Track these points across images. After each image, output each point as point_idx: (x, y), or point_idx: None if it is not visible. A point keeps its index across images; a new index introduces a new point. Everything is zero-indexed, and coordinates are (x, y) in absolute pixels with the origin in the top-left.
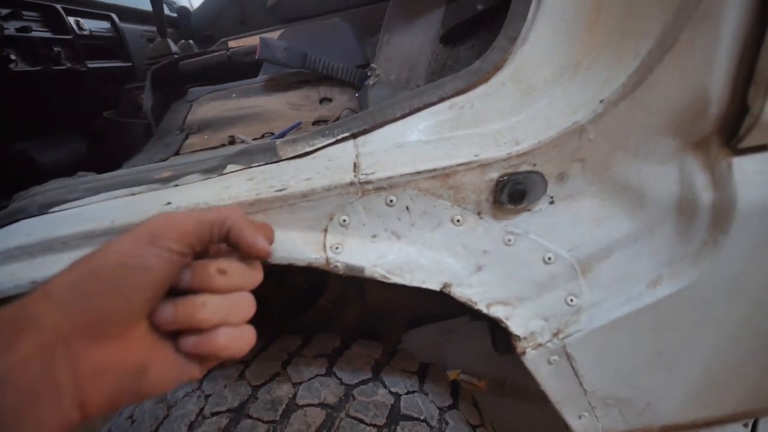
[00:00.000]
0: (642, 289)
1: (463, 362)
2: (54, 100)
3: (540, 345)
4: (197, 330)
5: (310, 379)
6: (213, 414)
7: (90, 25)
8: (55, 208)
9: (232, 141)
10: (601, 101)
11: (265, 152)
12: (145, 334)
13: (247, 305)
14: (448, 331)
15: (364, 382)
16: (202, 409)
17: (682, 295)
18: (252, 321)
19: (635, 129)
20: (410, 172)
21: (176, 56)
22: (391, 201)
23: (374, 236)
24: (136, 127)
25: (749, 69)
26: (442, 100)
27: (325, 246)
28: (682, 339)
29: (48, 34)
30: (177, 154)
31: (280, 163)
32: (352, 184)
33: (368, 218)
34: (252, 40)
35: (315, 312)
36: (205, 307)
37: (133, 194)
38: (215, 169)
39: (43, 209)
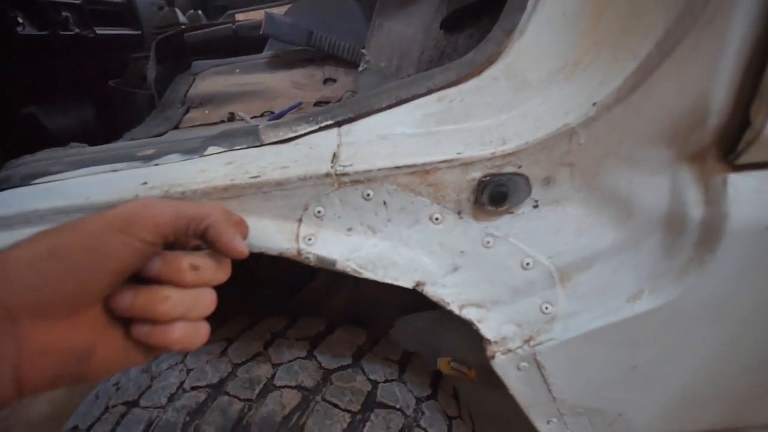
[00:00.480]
0: (621, 303)
1: (456, 350)
2: (61, 65)
3: (510, 350)
4: (152, 320)
5: (290, 361)
6: (192, 388)
7: None
8: (38, 180)
9: (231, 118)
10: (594, 104)
11: (248, 136)
12: (97, 316)
13: (209, 302)
14: (442, 318)
15: (343, 367)
16: (182, 383)
17: (662, 311)
18: (246, 299)
19: (629, 136)
20: (389, 166)
21: (182, 27)
22: (368, 195)
23: (349, 229)
24: (140, 97)
25: (755, 80)
26: (430, 92)
27: (297, 236)
28: (659, 355)
29: None
30: (176, 128)
31: (262, 147)
32: (328, 175)
33: (344, 211)
34: (260, 14)
35: (306, 294)
36: (168, 301)
37: (115, 171)
38: (196, 150)
39: (25, 180)
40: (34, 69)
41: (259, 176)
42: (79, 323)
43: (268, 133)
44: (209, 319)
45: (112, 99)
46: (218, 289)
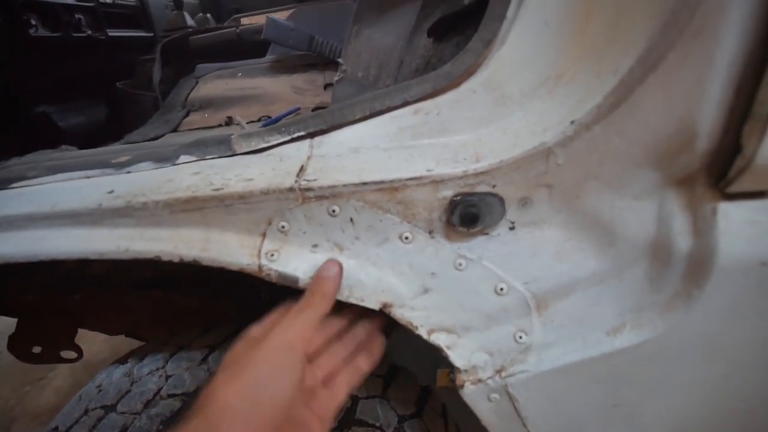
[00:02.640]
0: (601, 336)
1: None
2: (74, 66)
3: (480, 380)
4: None
5: None
6: (169, 395)
7: None
8: (15, 185)
9: (229, 122)
10: (573, 122)
11: (220, 145)
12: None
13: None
14: None
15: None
16: (160, 390)
17: (645, 348)
18: (240, 303)
19: (610, 157)
20: (355, 182)
21: (189, 30)
22: (334, 211)
23: (315, 246)
24: (146, 98)
25: (747, 100)
26: (406, 104)
27: (260, 252)
28: (642, 394)
29: (70, 1)
30: (175, 130)
31: (233, 157)
32: (291, 189)
33: (309, 227)
34: (264, 19)
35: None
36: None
37: (88, 177)
38: (169, 159)
39: (3, 184)
40: (47, 69)
41: (221, 189)
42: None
43: (240, 143)
44: (195, 324)
45: (119, 100)
46: (211, 293)
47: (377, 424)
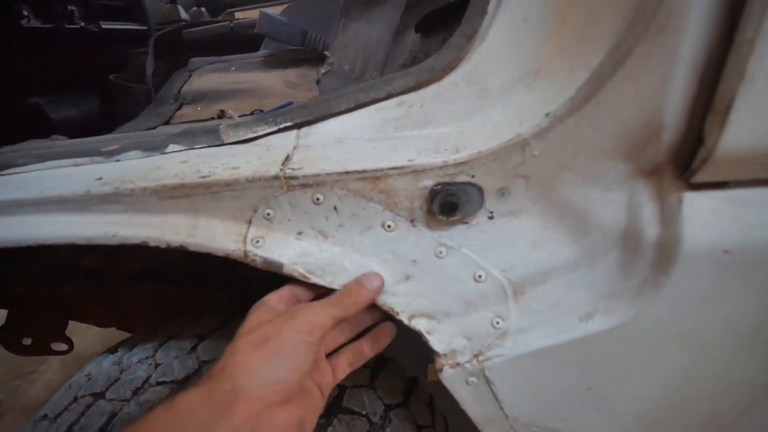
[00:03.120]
0: (574, 322)
1: None
2: (66, 58)
3: (458, 365)
4: None
5: None
6: (158, 383)
7: None
8: (4, 172)
9: (221, 115)
10: (547, 115)
11: (208, 135)
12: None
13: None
14: None
15: None
16: (149, 377)
17: (615, 333)
18: (231, 295)
19: (584, 149)
20: (338, 171)
21: (182, 24)
22: (318, 199)
23: (300, 233)
24: (139, 91)
25: (709, 94)
26: (390, 96)
27: (245, 238)
28: (614, 377)
29: None
30: (167, 123)
31: (221, 147)
32: (276, 177)
33: (294, 214)
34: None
35: None
36: None
37: (77, 165)
38: (158, 148)
39: None
40: (39, 61)
41: (208, 176)
42: (296, 401)
43: (228, 133)
44: (187, 313)
45: (112, 93)
46: (203, 285)
47: (363, 413)
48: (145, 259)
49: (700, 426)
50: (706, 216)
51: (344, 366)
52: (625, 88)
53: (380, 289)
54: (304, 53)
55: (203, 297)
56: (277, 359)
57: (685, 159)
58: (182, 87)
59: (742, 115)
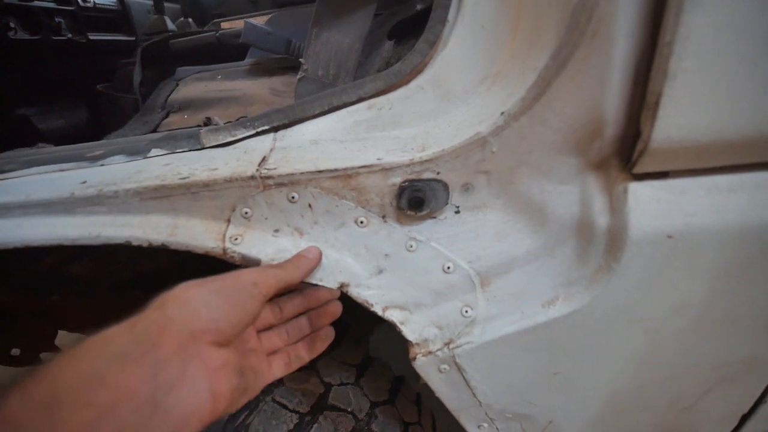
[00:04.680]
0: (537, 308)
1: None
2: (54, 69)
3: (431, 353)
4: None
5: None
6: None
7: None
8: None
9: (207, 123)
10: (502, 114)
11: (189, 139)
12: (242, 343)
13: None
14: None
15: (297, 369)
16: None
17: (574, 317)
18: None
19: (537, 145)
20: (311, 170)
21: (169, 34)
22: (293, 197)
23: (277, 231)
24: (126, 101)
25: (642, 91)
26: (361, 100)
27: (224, 236)
28: (577, 362)
29: (50, 5)
30: (154, 131)
31: (202, 151)
32: (253, 177)
33: (270, 213)
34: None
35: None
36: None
37: (62, 170)
38: (141, 152)
39: None
40: (27, 72)
41: (188, 177)
42: (234, 349)
43: (208, 137)
44: None
45: (100, 103)
46: None
47: (349, 410)
48: (133, 267)
49: (664, 408)
50: (649, 204)
51: (280, 365)
52: (569, 89)
53: (319, 259)
54: (289, 61)
55: None
56: (215, 297)
57: (628, 152)
58: (169, 96)
59: (668, 110)
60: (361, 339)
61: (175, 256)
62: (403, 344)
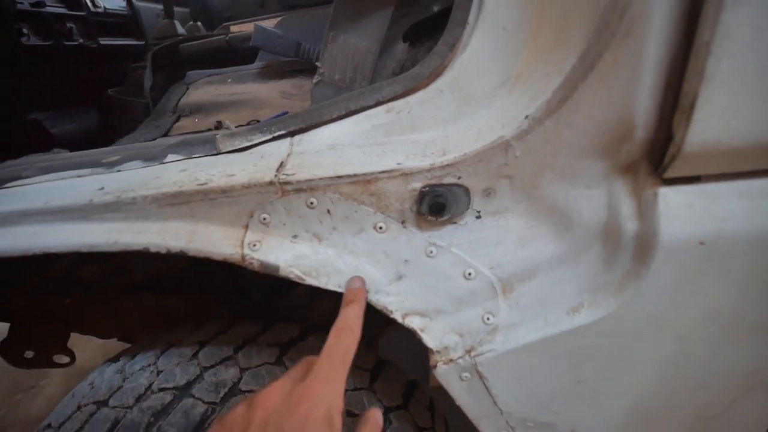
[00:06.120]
0: (561, 315)
1: None
2: (65, 74)
3: (451, 360)
4: None
5: (258, 366)
6: (160, 389)
7: (106, 2)
8: (9, 184)
9: (218, 126)
10: (527, 117)
11: (205, 144)
12: None
13: None
14: None
15: None
16: (151, 384)
17: (600, 325)
18: (234, 305)
19: (562, 149)
20: (330, 175)
21: (179, 38)
22: (312, 203)
23: (295, 236)
24: (137, 105)
25: (675, 94)
26: (379, 104)
27: (243, 242)
28: (603, 370)
29: (62, 10)
30: (166, 135)
31: (218, 156)
32: (271, 183)
33: (289, 218)
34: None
35: (290, 300)
36: None
37: (79, 176)
38: (157, 158)
39: None
40: (39, 77)
41: (206, 183)
42: None
43: (224, 142)
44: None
45: (111, 107)
46: (203, 294)
47: None
48: (145, 270)
49: (691, 417)
50: (680, 209)
51: None
52: (597, 90)
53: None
54: (299, 64)
55: (203, 307)
56: None
57: (659, 156)
58: (180, 99)
59: (704, 113)
60: (372, 342)
61: (186, 260)
62: (422, 351)
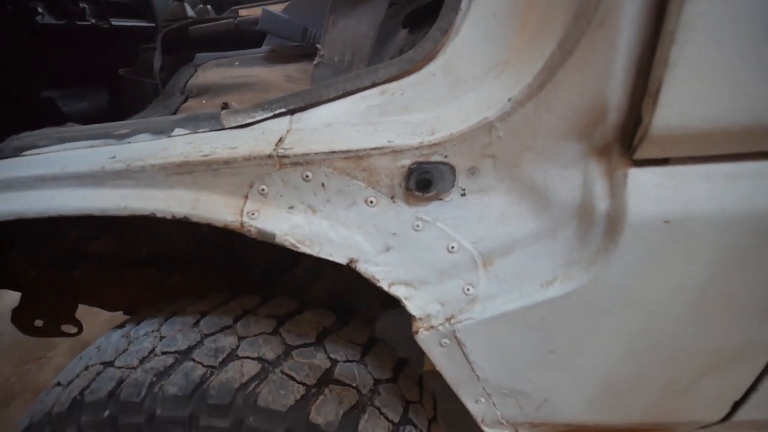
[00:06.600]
0: (536, 288)
1: None
2: (78, 53)
3: (432, 327)
4: None
5: (255, 335)
6: (163, 353)
7: None
8: (27, 152)
9: (225, 107)
10: (510, 100)
11: (210, 120)
12: None
13: None
14: None
15: (305, 345)
16: (154, 348)
17: (572, 297)
18: (235, 282)
19: (542, 130)
20: (325, 151)
21: (189, 21)
22: (308, 176)
23: (291, 207)
24: (147, 85)
25: (644, 79)
26: (374, 85)
27: (242, 211)
28: (574, 341)
29: None
30: (174, 115)
31: (222, 131)
32: (270, 156)
33: (286, 190)
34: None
35: (289, 279)
36: None
37: (92, 146)
38: (164, 131)
39: (16, 152)
40: (52, 56)
41: (210, 155)
42: None
43: (228, 119)
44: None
45: (122, 87)
46: (206, 270)
47: (354, 385)
48: (149, 246)
49: (659, 391)
50: (648, 189)
51: None
52: (574, 76)
53: None
54: (305, 49)
55: (206, 282)
56: None
57: (629, 138)
58: (188, 81)
59: (669, 98)
60: (368, 323)
61: (190, 237)
62: (408, 320)
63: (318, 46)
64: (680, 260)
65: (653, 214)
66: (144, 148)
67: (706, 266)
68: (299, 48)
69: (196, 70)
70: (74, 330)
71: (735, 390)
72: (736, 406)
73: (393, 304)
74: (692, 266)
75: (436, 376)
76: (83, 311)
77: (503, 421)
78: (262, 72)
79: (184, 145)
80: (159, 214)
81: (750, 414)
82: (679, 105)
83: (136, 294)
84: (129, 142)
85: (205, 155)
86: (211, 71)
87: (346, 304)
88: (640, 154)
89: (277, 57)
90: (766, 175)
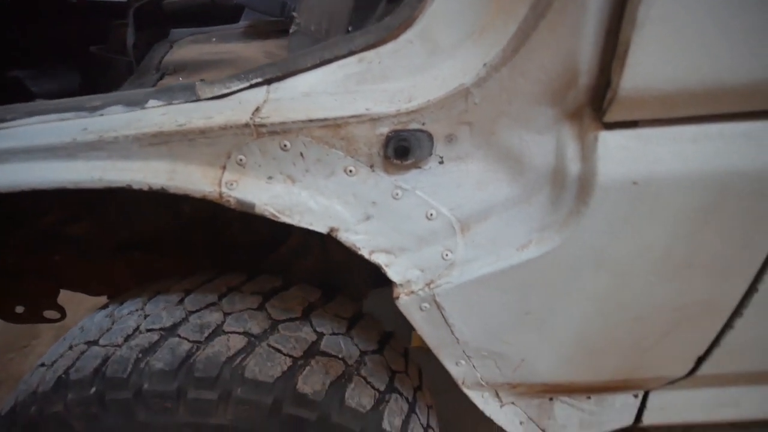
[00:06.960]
0: (511, 251)
1: None
2: (45, 30)
3: (413, 292)
4: None
5: (241, 311)
6: (148, 330)
7: None
8: None
9: None
10: (485, 65)
11: (186, 91)
12: None
13: None
14: None
15: (291, 319)
16: (139, 326)
17: (545, 259)
18: (221, 259)
19: (517, 96)
20: (302, 119)
21: None
22: (286, 146)
23: (270, 178)
24: (121, 63)
25: (613, 42)
26: (351, 53)
27: (221, 181)
28: (548, 302)
29: None
30: None
31: (198, 102)
32: (247, 125)
33: (264, 160)
34: None
35: (275, 258)
36: None
37: (62, 120)
38: (138, 103)
39: None
40: (17, 33)
41: (185, 124)
42: None
43: (203, 89)
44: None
45: (94, 65)
46: (190, 255)
47: (340, 356)
48: (131, 228)
49: (629, 349)
50: (617, 152)
51: None
52: (547, 39)
53: None
54: (284, 24)
55: (191, 265)
56: None
57: (600, 101)
58: (163, 58)
59: (636, 59)
60: (355, 297)
61: (172, 219)
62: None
63: (294, 14)
64: (647, 220)
65: (622, 176)
66: (117, 120)
67: (671, 226)
68: (278, 23)
69: (171, 47)
70: (57, 316)
71: (699, 346)
72: (700, 361)
73: (380, 282)
74: (658, 226)
75: (425, 349)
76: (67, 298)
77: (483, 383)
78: (241, 48)
79: (159, 116)
80: (135, 186)
81: (713, 369)
82: (646, 66)
83: (119, 278)
84: (101, 114)
85: (181, 125)
86: (188, 48)
87: (333, 284)
88: (610, 117)
89: (256, 32)
90: (729, 136)
